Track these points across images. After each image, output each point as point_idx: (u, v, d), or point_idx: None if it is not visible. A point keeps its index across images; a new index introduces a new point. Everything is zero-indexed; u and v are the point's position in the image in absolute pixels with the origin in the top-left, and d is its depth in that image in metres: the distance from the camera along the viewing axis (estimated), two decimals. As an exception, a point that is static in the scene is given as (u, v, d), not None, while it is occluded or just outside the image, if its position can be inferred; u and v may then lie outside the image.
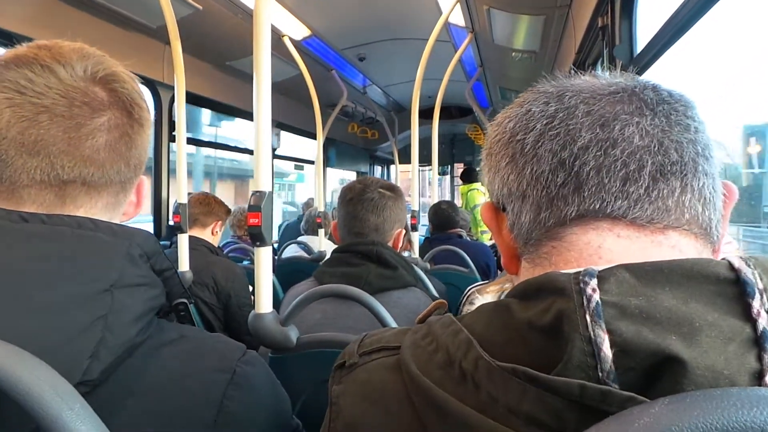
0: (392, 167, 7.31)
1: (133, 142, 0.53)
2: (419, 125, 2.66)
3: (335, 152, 5.63)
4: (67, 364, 0.39)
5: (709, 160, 0.36)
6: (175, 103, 1.96)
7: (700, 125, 0.37)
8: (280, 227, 4.66)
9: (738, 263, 0.30)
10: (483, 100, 5.07)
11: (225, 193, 9.75)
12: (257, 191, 1.07)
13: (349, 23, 3.08)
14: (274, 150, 4.13)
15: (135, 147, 0.53)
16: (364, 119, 5.23)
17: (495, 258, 2.70)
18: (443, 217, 2.88)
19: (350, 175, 6.90)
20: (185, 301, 0.59)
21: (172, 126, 2.82)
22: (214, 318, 1.78)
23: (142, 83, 0.56)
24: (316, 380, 0.94)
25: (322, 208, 3.02)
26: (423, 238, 3.19)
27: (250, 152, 2.94)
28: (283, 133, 4.40)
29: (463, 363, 0.32)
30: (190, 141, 2.82)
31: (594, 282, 0.30)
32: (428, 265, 2.22)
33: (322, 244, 2.81)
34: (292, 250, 3.03)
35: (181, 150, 1.91)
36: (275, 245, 3.58)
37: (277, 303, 1.14)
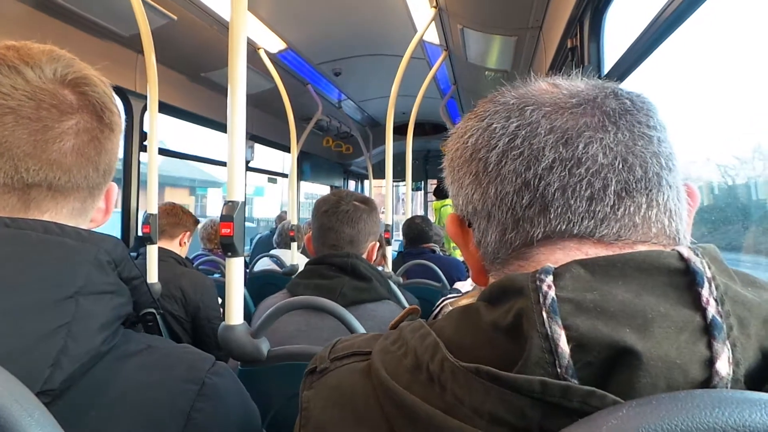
0: (366, 182, 7.33)
1: (102, 146, 0.51)
2: (393, 141, 2.69)
3: (309, 166, 5.60)
4: (27, 373, 0.37)
5: (673, 171, 0.36)
6: (148, 112, 1.93)
7: (663, 133, 0.37)
8: (251, 240, 4.59)
9: (687, 253, 0.30)
10: (457, 117, 5.15)
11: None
12: (230, 201, 1.06)
13: (325, 38, 3.10)
14: (247, 162, 4.08)
15: (105, 152, 0.52)
16: (339, 133, 5.23)
17: (467, 273, 2.72)
18: (417, 232, 2.90)
19: (322, 189, 6.86)
20: (153, 311, 0.58)
21: (142, 136, 2.76)
22: (182, 331, 1.73)
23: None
24: (287, 394, 0.93)
25: (295, 221, 2.99)
26: (396, 252, 3.20)
27: (223, 164, 2.91)
28: (256, 146, 4.36)
29: (430, 365, 0.33)
30: (162, 151, 2.77)
31: (549, 279, 0.31)
32: (401, 279, 2.22)
33: (295, 258, 2.78)
34: (264, 264, 2.99)
35: (152, 160, 1.88)
36: (247, 258, 3.52)
37: (248, 317, 1.12)
